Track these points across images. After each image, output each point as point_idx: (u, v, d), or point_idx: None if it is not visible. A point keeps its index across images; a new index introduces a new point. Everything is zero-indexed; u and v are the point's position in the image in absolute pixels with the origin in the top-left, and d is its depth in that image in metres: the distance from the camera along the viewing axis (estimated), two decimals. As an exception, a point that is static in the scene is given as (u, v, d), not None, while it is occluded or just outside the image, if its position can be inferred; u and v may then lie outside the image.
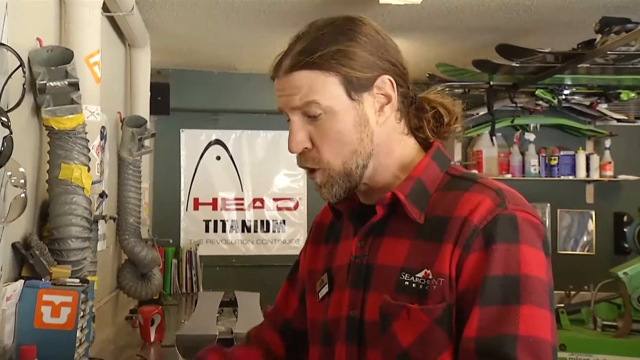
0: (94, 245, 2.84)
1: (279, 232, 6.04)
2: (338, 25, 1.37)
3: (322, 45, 1.33)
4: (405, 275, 1.29)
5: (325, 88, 1.33)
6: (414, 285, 1.28)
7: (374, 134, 1.37)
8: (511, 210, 1.27)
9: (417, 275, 1.28)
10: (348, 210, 1.46)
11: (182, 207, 6.01)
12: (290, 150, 1.37)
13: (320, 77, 1.33)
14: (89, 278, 2.54)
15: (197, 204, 6.02)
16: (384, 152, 1.39)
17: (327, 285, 1.47)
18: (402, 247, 1.33)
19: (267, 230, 6.05)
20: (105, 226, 3.69)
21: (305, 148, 1.37)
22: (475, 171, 1.97)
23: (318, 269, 1.53)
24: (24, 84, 2.13)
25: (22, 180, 2.10)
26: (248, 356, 1.66)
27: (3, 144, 1.87)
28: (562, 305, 4.73)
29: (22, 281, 2.23)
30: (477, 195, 1.30)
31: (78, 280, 2.39)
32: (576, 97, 5.58)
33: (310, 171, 1.39)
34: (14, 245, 2.29)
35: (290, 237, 6.05)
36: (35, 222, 2.52)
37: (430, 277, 1.27)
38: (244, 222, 6.03)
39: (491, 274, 1.22)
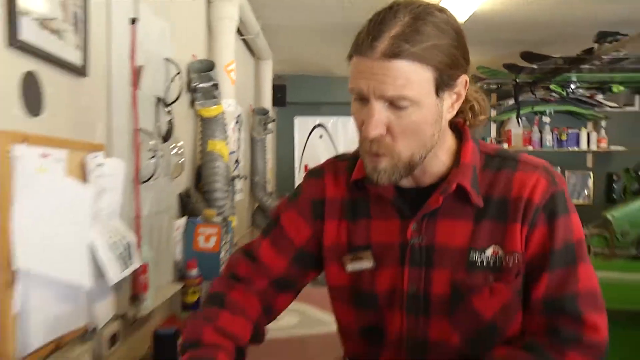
0: (232, 195, 2.92)
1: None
2: (431, 14, 0.99)
3: (423, 36, 0.97)
4: (475, 254, 1.07)
5: (420, 83, 0.98)
6: (485, 263, 1.06)
7: (441, 130, 1.07)
8: (560, 186, 1.08)
9: (486, 253, 1.06)
10: (391, 194, 1.12)
11: (296, 171, 6.10)
12: (367, 136, 1.01)
13: (419, 70, 0.97)
14: (229, 218, 2.63)
15: (306, 168, 6.09)
16: (440, 144, 1.08)
17: (370, 261, 1.13)
18: (464, 229, 1.08)
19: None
20: (241, 183, 3.80)
21: (380, 134, 1.02)
22: (500, 145, 1.51)
23: (343, 243, 1.16)
24: (180, 86, 2.21)
25: (182, 150, 2.20)
26: (238, 327, 1.13)
27: (168, 125, 1.96)
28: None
29: (185, 218, 2.35)
30: (530, 175, 1.08)
31: (221, 219, 2.48)
32: (580, 90, 5.38)
33: (376, 155, 1.04)
34: (179, 195, 2.40)
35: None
36: (192, 180, 2.61)
37: (500, 254, 1.06)
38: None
39: (555, 243, 1.05)
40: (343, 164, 1.22)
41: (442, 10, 1.02)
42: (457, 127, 1.14)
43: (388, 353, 1.14)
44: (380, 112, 0.99)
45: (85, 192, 1.41)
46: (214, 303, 1.16)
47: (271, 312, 1.22)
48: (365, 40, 0.98)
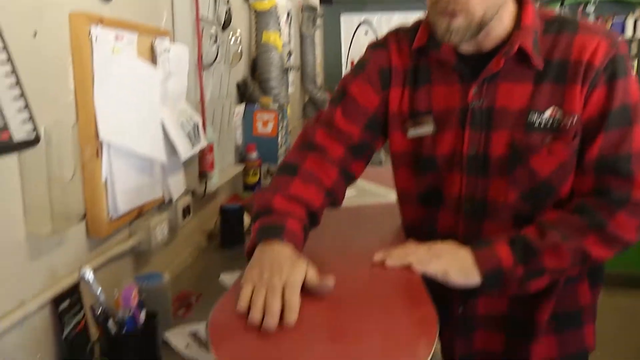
0: (286, 85, 2.90)
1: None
2: None
3: None
4: (534, 116, 1.04)
5: None
6: (543, 123, 1.03)
7: None
8: (621, 50, 1.03)
9: (545, 115, 1.03)
10: (453, 59, 1.09)
11: (343, 65, 5.98)
12: None
13: None
14: (284, 105, 2.63)
15: (352, 64, 5.95)
16: (504, 5, 1.04)
17: (431, 125, 1.12)
18: (523, 91, 1.05)
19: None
20: (293, 75, 3.76)
21: None
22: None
23: (405, 110, 1.15)
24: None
25: (240, 39, 2.17)
26: (310, 194, 1.10)
27: (226, 14, 1.92)
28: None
29: (244, 104, 2.36)
30: (591, 38, 1.02)
31: (277, 106, 2.48)
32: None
33: (451, 14, 0.99)
34: (237, 84, 2.40)
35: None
36: (249, 70, 2.60)
37: (558, 115, 1.03)
38: (384, 75, 5.95)
39: (614, 105, 1.01)
40: (405, 34, 1.19)
41: None
42: None
43: (446, 215, 1.15)
44: None
45: (154, 73, 1.42)
46: (286, 172, 1.14)
47: (348, 178, 1.20)
48: None
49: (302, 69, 4.02)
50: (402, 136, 1.17)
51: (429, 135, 1.13)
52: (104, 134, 1.19)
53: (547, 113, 1.03)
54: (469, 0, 0.97)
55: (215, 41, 1.78)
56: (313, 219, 1.11)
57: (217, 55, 1.84)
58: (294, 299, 0.85)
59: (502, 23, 1.05)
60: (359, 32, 6.17)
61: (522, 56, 1.04)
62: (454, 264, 1.01)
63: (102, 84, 1.18)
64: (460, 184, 1.11)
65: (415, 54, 1.15)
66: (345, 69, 6.04)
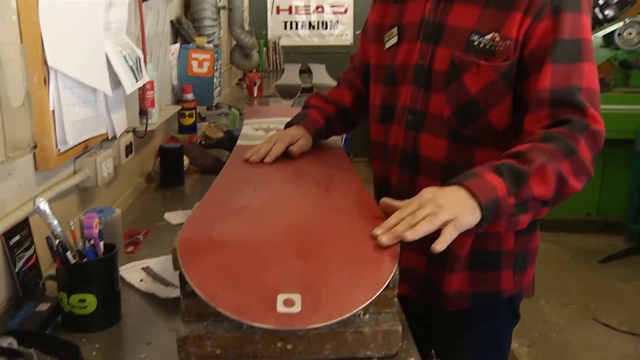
0: (218, 25, 2.85)
1: (333, 29, 5.86)
2: None
3: None
4: (475, 37, 1.07)
5: None
6: (482, 45, 1.06)
7: None
8: None
9: (486, 37, 1.06)
10: None
11: (269, 12, 5.87)
12: None
13: None
14: (219, 45, 2.59)
15: (278, 10, 5.85)
16: None
17: (396, 37, 1.21)
18: (473, 12, 1.08)
19: (326, 28, 5.90)
20: (223, 15, 3.67)
21: None
22: None
23: (386, 23, 1.25)
24: None
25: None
26: (341, 95, 1.45)
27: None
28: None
29: (179, 44, 2.30)
30: None
31: (212, 46, 2.44)
32: None
33: None
34: (171, 22, 2.32)
35: (341, 33, 5.85)
36: (182, 8, 2.52)
37: (498, 39, 1.05)
38: (310, 22, 5.88)
39: (561, 37, 1.01)
40: None
41: None
42: None
43: (395, 128, 1.22)
44: None
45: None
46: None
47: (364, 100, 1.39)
48: None
49: (230, 11, 3.92)
50: (378, 48, 1.26)
51: (395, 45, 1.21)
52: (52, 60, 1.14)
53: (488, 37, 1.06)
54: None
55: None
56: (345, 116, 1.46)
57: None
58: (278, 147, 1.30)
59: None
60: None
61: None
62: (458, 206, 0.90)
63: (46, 6, 1.12)
64: (406, 96, 1.18)
65: None
66: (271, 14, 5.94)
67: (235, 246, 0.88)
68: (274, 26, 5.88)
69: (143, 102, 1.75)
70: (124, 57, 1.51)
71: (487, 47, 1.06)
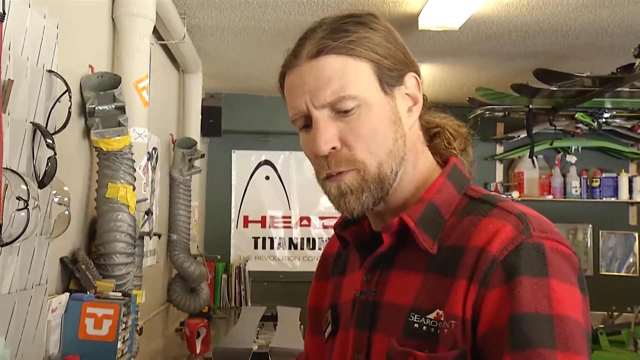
0: (138, 260, 2.86)
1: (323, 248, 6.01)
2: (356, 17, 1.17)
3: (348, 32, 1.13)
4: (414, 317, 1.09)
5: (359, 77, 1.12)
6: (424, 328, 1.07)
7: (406, 136, 1.16)
8: (537, 238, 1.05)
9: (428, 316, 1.08)
10: (356, 238, 1.24)
11: (233, 225, 6.04)
12: (318, 151, 1.11)
13: (352, 63, 1.12)
14: (133, 292, 2.56)
15: (246, 221, 6.05)
16: (412, 161, 1.17)
17: (330, 325, 1.27)
18: (413, 283, 1.12)
19: (313, 248, 6.04)
20: (156, 242, 3.73)
21: (333, 148, 1.12)
22: (497, 193, 1.54)
23: (324, 306, 1.32)
24: (69, 108, 2.14)
25: (66, 199, 2.14)
26: None
27: (48, 164, 1.90)
28: (602, 326, 4.57)
29: (67, 294, 2.26)
30: (496, 221, 1.08)
31: (121, 294, 2.41)
32: (617, 120, 5.51)
33: (339, 174, 1.12)
34: (62, 260, 2.32)
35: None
36: (83, 238, 2.54)
37: (442, 318, 1.06)
38: (291, 239, 6.04)
39: (519, 312, 1.00)
40: None
41: (370, 14, 1.19)
42: (443, 158, 1.25)
43: None
44: (326, 122, 1.12)
45: None
46: None
47: None
48: (293, 53, 1.18)
49: (170, 231, 4.01)
50: (318, 341, 1.34)
51: (330, 336, 1.27)
52: None
53: (432, 315, 1.08)
54: (353, 155, 1.13)
55: (25, 205, 1.73)
56: None
57: (27, 223, 1.78)
58: None
59: (411, 187, 1.19)
60: (258, 176, 6.33)
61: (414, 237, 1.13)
62: None
63: None
64: None
65: (340, 237, 1.30)
66: (236, 228, 6.09)
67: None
68: (239, 244, 6.02)
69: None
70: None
71: (431, 329, 1.07)
